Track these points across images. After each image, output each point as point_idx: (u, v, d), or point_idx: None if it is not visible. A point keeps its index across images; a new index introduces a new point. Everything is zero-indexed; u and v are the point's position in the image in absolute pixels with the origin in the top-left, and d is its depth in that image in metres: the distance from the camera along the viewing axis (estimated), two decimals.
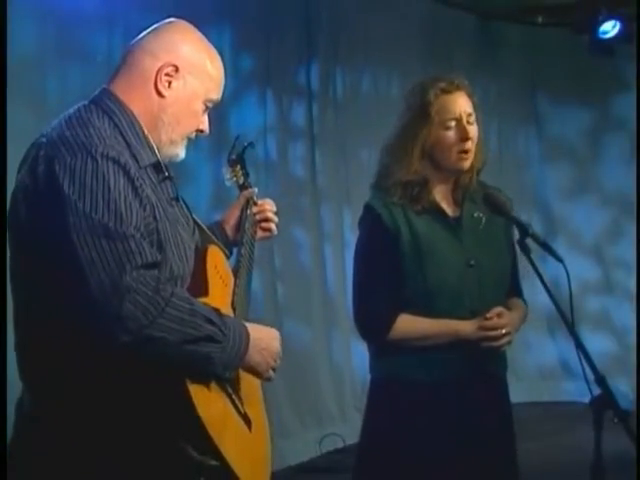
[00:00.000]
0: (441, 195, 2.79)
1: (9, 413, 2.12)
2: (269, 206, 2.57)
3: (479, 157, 2.79)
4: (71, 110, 2.05)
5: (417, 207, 2.74)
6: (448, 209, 2.79)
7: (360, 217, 2.82)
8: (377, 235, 2.75)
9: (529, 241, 2.52)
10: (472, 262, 2.74)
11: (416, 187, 2.74)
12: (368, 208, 2.78)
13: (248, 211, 2.51)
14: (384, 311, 2.72)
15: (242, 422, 2.15)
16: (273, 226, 2.58)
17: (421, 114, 2.72)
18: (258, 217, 2.54)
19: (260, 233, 2.56)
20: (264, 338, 2.11)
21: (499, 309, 2.73)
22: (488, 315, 2.70)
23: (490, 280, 2.77)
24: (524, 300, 2.93)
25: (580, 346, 2.28)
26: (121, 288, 1.83)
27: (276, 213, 2.59)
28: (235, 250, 2.48)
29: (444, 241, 2.74)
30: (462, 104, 2.73)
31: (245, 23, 5.33)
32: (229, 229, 2.51)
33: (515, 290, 2.89)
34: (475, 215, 2.77)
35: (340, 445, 5.63)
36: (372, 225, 2.76)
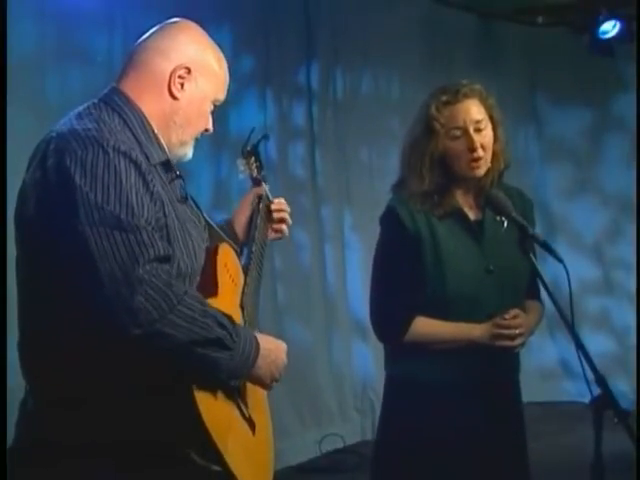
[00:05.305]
0: (463, 199, 2.79)
1: (9, 413, 2.11)
2: (285, 206, 2.52)
3: (500, 159, 2.79)
4: (80, 107, 2.05)
5: (439, 212, 2.73)
6: (470, 213, 2.79)
7: (381, 216, 2.81)
8: (397, 237, 2.74)
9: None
10: (491, 267, 2.74)
11: (435, 195, 2.73)
12: (390, 209, 2.77)
13: (260, 208, 2.44)
14: (401, 313, 2.73)
15: (246, 426, 2.13)
16: (285, 228, 2.53)
17: (426, 128, 2.72)
18: (276, 215, 2.49)
19: (271, 234, 2.50)
20: (273, 350, 2.09)
21: (515, 311, 2.73)
22: (506, 316, 2.70)
23: (509, 285, 2.77)
24: (541, 301, 2.92)
25: (580, 346, 2.29)
26: (133, 280, 1.81)
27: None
28: (246, 248, 2.40)
29: (464, 246, 2.74)
30: (468, 113, 2.71)
31: (245, 23, 5.33)
32: (239, 228, 2.46)
33: (532, 291, 2.87)
34: (498, 219, 2.74)
35: (340, 445, 5.63)
36: (393, 227, 2.75)
